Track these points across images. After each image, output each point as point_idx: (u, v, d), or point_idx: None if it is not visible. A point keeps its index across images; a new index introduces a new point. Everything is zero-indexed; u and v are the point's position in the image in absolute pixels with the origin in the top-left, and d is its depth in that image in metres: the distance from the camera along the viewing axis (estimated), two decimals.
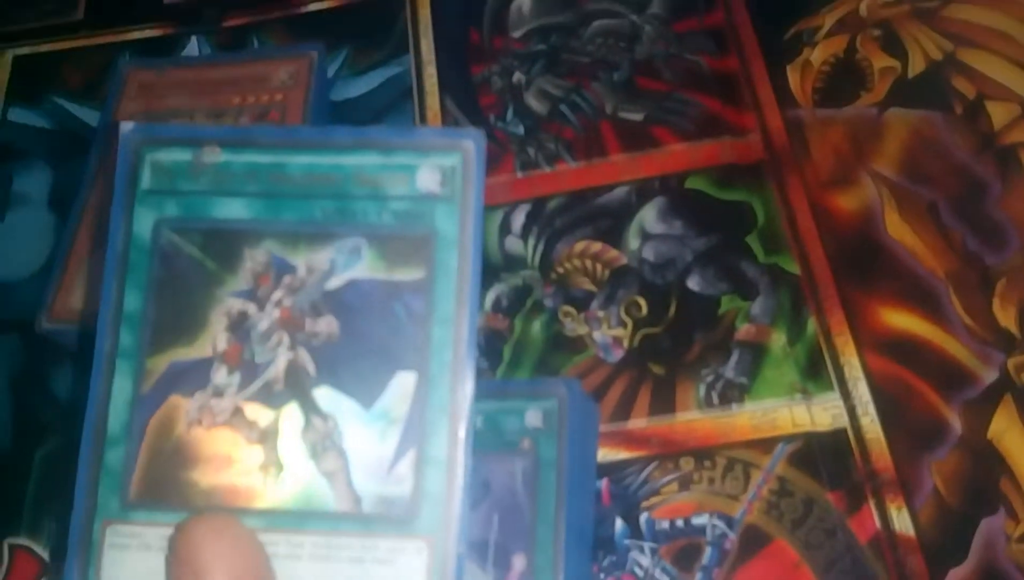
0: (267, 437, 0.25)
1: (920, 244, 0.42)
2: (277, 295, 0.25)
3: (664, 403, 0.40)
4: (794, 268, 0.42)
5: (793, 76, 0.47)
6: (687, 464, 0.38)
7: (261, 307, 0.25)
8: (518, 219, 0.45)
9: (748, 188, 0.44)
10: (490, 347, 0.42)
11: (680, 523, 0.37)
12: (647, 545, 0.37)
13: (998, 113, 0.44)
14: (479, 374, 0.41)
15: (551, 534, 0.33)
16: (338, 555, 0.24)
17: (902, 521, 0.36)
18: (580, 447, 0.36)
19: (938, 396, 0.38)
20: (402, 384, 0.24)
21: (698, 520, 0.37)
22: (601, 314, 0.42)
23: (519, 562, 0.33)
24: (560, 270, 0.44)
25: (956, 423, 0.38)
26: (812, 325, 0.41)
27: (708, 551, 0.36)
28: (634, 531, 0.37)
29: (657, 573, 0.36)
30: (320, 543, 0.24)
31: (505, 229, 0.45)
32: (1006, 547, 0.35)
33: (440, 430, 0.24)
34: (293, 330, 0.25)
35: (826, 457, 0.38)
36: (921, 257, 0.41)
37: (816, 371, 0.40)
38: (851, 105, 0.45)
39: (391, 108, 0.48)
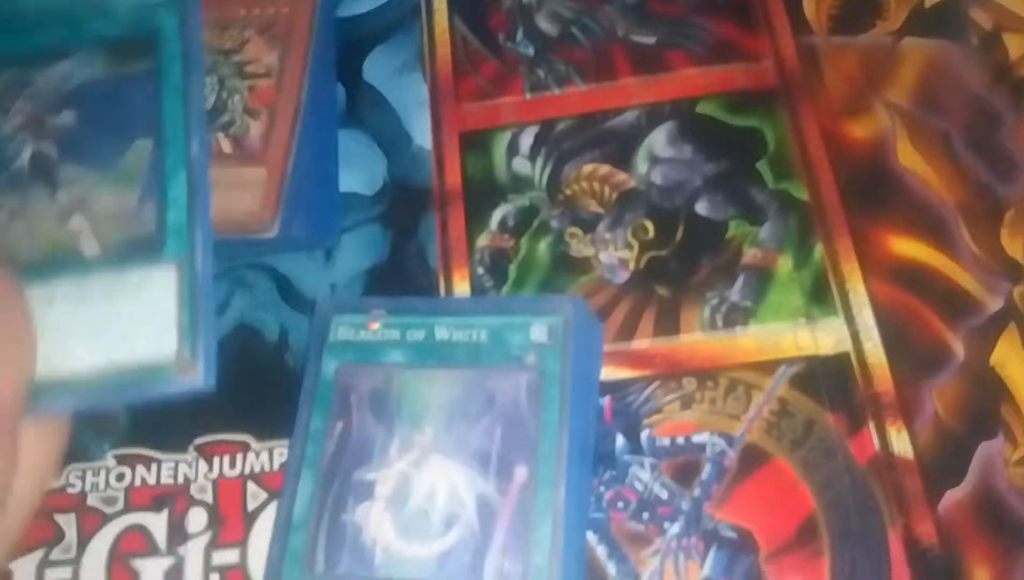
0: (14, 217, 0.28)
1: (931, 173, 0.41)
2: (18, 105, 0.28)
3: (668, 325, 0.40)
4: (803, 195, 0.42)
5: (808, 3, 0.46)
6: (689, 384, 0.39)
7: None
8: (526, 140, 0.45)
9: (759, 114, 0.44)
10: (495, 266, 0.42)
11: (681, 440, 0.37)
12: (647, 461, 0.37)
13: (1015, 45, 0.43)
14: (484, 292, 0.41)
15: (554, 447, 0.34)
16: (90, 294, 0.26)
17: (901, 443, 0.36)
18: (584, 364, 0.36)
19: (942, 322, 0.38)
20: (139, 148, 0.28)
21: (698, 438, 0.37)
22: (608, 236, 0.42)
23: (521, 473, 0.34)
24: (567, 192, 0.43)
25: (959, 349, 0.38)
26: (819, 251, 0.41)
27: (707, 468, 0.37)
28: (635, 447, 0.37)
29: (656, 487, 0.37)
30: (72, 288, 0.26)
31: (513, 150, 0.45)
32: (1004, 470, 0.35)
33: (178, 178, 0.27)
34: (35, 129, 0.28)
35: (828, 380, 0.38)
36: (932, 186, 0.41)
37: (821, 296, 0.40)
38: (866, 33, 0.45)
39: (399, 26, 0.48)
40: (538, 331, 0.35)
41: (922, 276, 0.39)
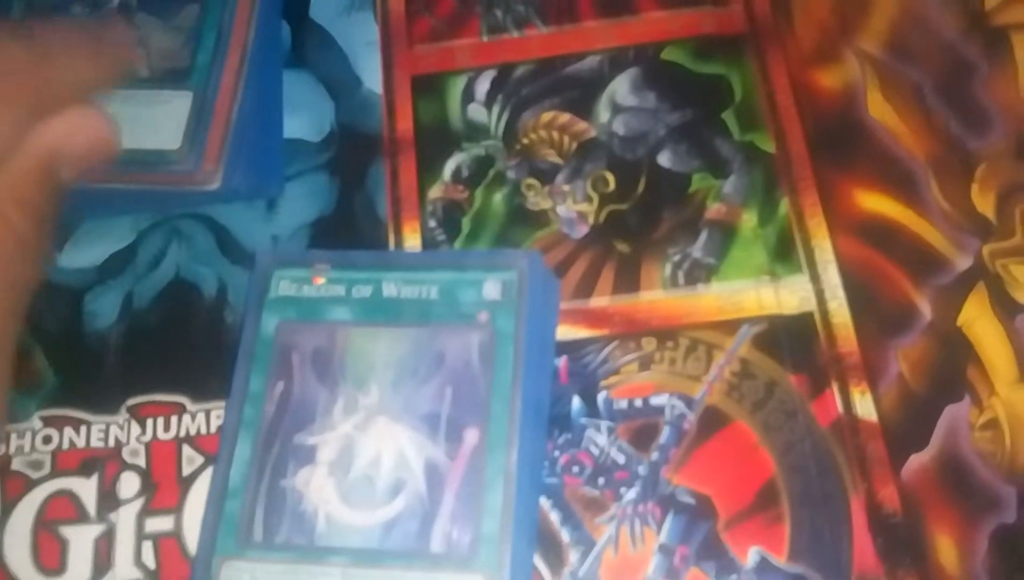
0: None
1: (902, 126, 0.40)
2: None
3: (628, 282, 0.38)
4: (769, 147, 0.40)
5: None
6: (649, 344, 0.37)
7: None
8: (482, 86, 0.42)
9: (727, 61, 0.42)
10: (448, 218, 0.40)
11: (639, 403, 0.36)
12: (604, 424, 0.36)
13: None
14: (436, 246, 0.39)
15: (506, 408, 0.32)
16: (132, 99, 0.39)
17: (864, 406, 0.35)
18: (539, 322, 0.34)
19: (909, 281, 0.37)
20: (190, 10, 0.42)
21: (657, 400, 0.36)
22: (566, 188, 0.40)
23: (471, 436, 0.32)
24: (525, 141, 0.41)
25: (926, 309, 0.36)
26: (784, 206, 0.39)
27: (666, 431, 0.35)
28: (591, 410, 0.36)
29: (613, 452, 0.35)
30: (122, 92, 0.34)
31: (468, 96, 0.42)
32: (969, 435, 0.34)
33: (211, 29, 0.41)
34: None
35: (791, 340, 0.36)
36: (902, 139, 0.39)
37: (786, 253, 0.38)
38: None
39: None
40: (491, 288, 0.34)
41: (889, 232, 0.38)
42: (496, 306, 0.33)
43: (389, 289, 0.34)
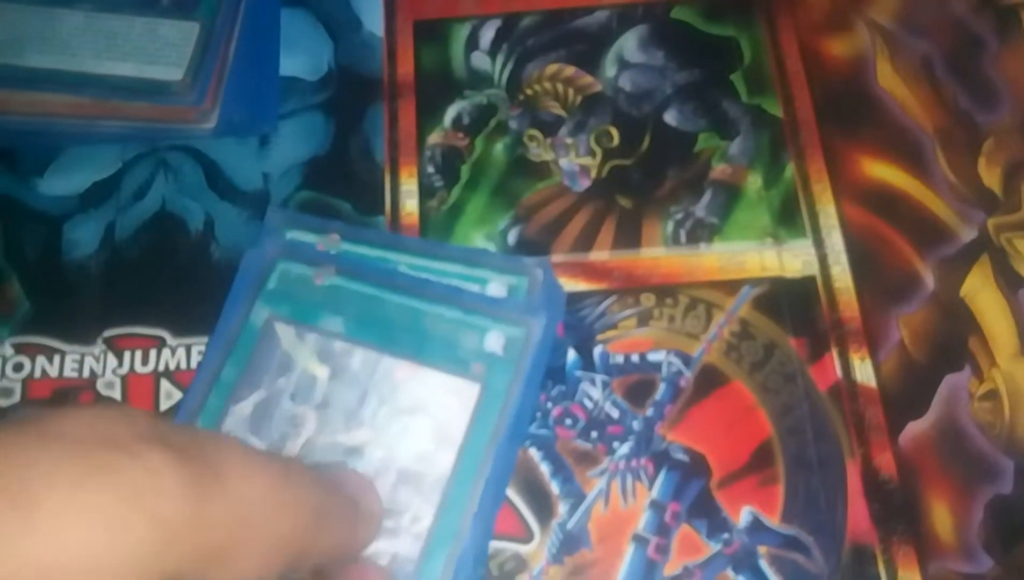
0: None
1: (910, 97, 0.39)
2: None
3: (629, 237, 0.37)
4: (777, 111, 0.39)
5: None
6: (648, 300, 0.36)
7: None
8: (487, 35, 0.41)
9: (737, 24, 0.41)
10: (447, 165, 0.39)
11: (635, 358, 0.35)
12: (599, 378, 0.35)
13: None
14: (434, 191, 0.38)
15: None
16: (142, 28, 0.40)
17: (864, 371, 0.35)
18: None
19: (913, 250, 0.36)
20: None
21: (654, 356, 0.35)
22: (569, 141, 0.39)
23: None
24: (529, 92, 0.40)
25: (929, 278, 0.36)
26: (790, 170, 0.38)
27: (662, 387, 0.34)
28: (586, 363, 0.35)
29: (607, 406, 0.34)
30: (131, 18, 0.41)
31: (472, 44, 0.41)
32: (968, 404, 0.34)
33: None
34: None
35: (792, 303, 0.36)
36: (910, 110, 0.39)
37: (790, 217, 0.37)
38: None
39: None
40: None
41: (895, 201, 0.38)
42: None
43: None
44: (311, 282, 0.33)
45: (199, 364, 0.33)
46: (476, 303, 0.33)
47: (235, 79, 0.39)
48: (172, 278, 0.37)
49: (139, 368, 0.35)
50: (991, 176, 0.38)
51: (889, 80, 0.40)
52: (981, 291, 0.36)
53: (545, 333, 0.33)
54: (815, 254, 0.37)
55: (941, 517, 0.32)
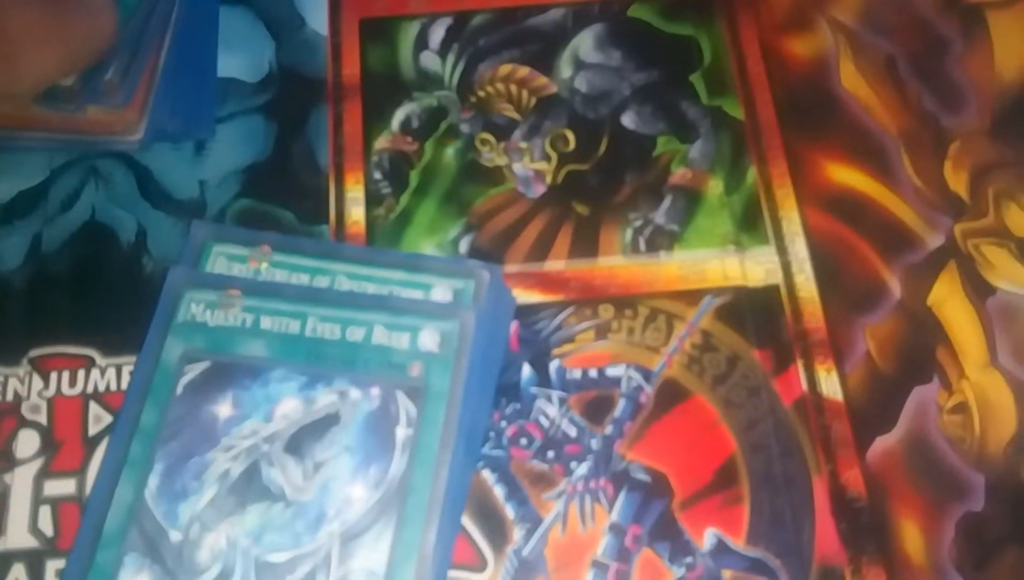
0: None
1: (874, 98, 0.38)
2: None
3: (586, 246, 0.36)
4: (738, 113, 0.38)
5: None
6: (606, 312, 0.35)
7: None
8: (437, 33, 0.40)
9: (696, 23, 0.40)
10: (395, 171, 0.37)
11: (593, 373, 0.34)
12: (555, 394, 0.33)
13: None
14: (381, 198, 0.36)
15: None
16: None
17: (830, 384, 0.33)
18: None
19: (879, 258, 0.35)
20: None
21: (613, 371, 0.34)
22: (523, 145, 0.38)
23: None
24: (481, 93, 0.38)
25: (895, 287, 0.35)
26: (752, 174, 0.37)
27: (621, 403, 0.33)
28: (542, 379, 0.33)
29: (564, 424, 0.33)
30: None
31: (421, 43, 0.39)
32: (937, 418, 0.33)
33: None
34: None
35: (755, 313, 0.34)
36: (874, 112, 0.38)
37: (752, 223, 0.36)
38: None
39: None
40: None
41: (860, 207, 0.36)
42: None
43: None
44: (223, 308, 0.31)
45: (119, 411, 0.31)
46: (405, 305, 0.31)
47: (168, 81, 0.37)
48: (102, 293, 0.35)
49: (66, 390, 0.33)
50: (957, 180, 0.36)
51: (852, 81, 0.39)
52: (949, 299, 0.34)
53: (489, 330, 0.31)
54: (778, 262, 0.35)
55: (911, 536, 0.31)
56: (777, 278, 0.35)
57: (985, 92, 0.38)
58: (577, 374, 0.34)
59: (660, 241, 0.36)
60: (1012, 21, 0.39)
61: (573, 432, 0.33)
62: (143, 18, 0.36)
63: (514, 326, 0.34)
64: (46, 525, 0.31)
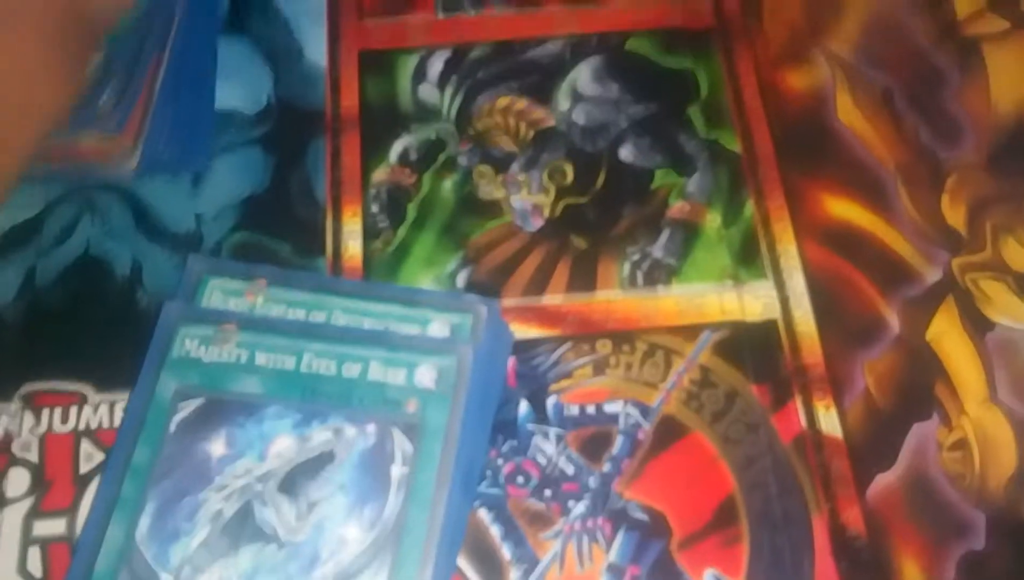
0: None
1: (871, 132, 0.38)
2: None
3: (584, 280, 0.36)
4: (736, 146, 0.38)
5: None
6: (604, 347, 0.34)
7: None
8: (435, 65, 0.40)
9: (694, 56, 0.40)
10: (393, 204, 0.37)
11: (591, 409, 0.33)
12: (553, 431, 0.33)
13: (962, 2, 0.40)
14: (379, 232, 0.36)
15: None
16: None
17: (829, 421, 0.33)
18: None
19: (877, 292, 0.35)
20: None
21: (611, 407, 0.33)
22: (521, 178, 0.37)
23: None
24: (479, 126, 0.38)
25: (894, 321, 0.35)
26: (750, 208, 0.37)
27: (619, 440, 0.33)
28: (540, 415, 0.33)
29: (561, 461, 0.32)
30: None
31: (420, 75, 0.39)
32: (937, 454, 0.32)
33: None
34: None
35: (754, 348, 0.34)
36: (871, 145, 0.38)
37: (750, 257, 0.36)
38: None
39: None
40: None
41: (857, 241, 0.36)
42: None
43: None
44: (217, 343, 0.31)
45: (111, 448, 0.31)
46: (401, 341, 0.31)
47: (164, 107, 0.36)
48: (96, 328, 0.34)
49: (58, 427, 0.33)
50: (955, 214, 0.36)
51: (849, 114, 0.39)
52: (947, 334, 0.34)
53: (487, 366, 0.31)
54: (776, 296, 0.35)
55: (912, 576, 0.31)
56: (775, 313, 0.35)
57: (982, 125, 0.38)
58: (575, 410, 0.33)
59: (658, 275, 0.36)
60: (1008, 54, 0.39)
61: (571, 470, 0.32)
62: (139, 39, 0.36)
63: (511, 361, 0.34)
64: (35, 566, 0.31)
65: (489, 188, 0.37)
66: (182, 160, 0.37)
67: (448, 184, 0.37)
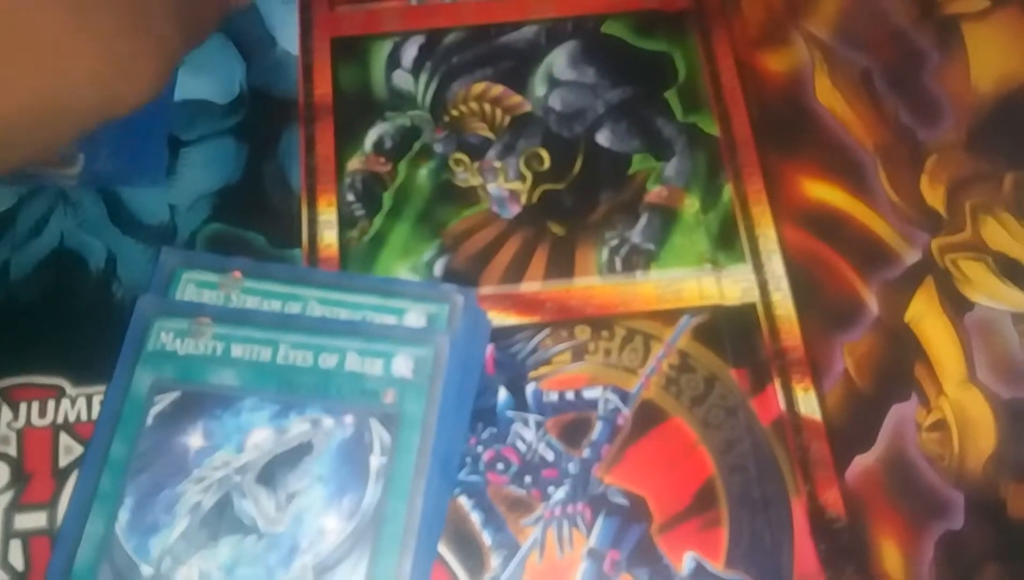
0: None
1: (850, 113, 0.38)
2: None
3: (562, 266, 0.35)
4: (714, 129, 0.38)
5: None
6: (582, 333, 0.34)
7: None
8: (409, 52, 0.39)
9: (670, 39, 0.39)
10: (368, 192, 0.37)
11: (570, 396, 0.33)
12: (532, 418, 0.33)
13: None
14: (355, 220, 0.36)
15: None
16: None
17: (808, 403, 0.33)
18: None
19: (856, 274, 0.35)
20: None
21: (590, 393, 0.33)
22: (498, 164, 0.37)
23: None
24: (454, 113, 0.38)
25: (873, 303, 0.35)
26: (728, 192, 0.37)
27: (599, 426, 0.33)
28: (519, 402, 0.33)
29: (541, 448, 0.32)
30: None
31: (394, 62, 0.39)
32: (916, 435, 0.32)
33: None
34: None
35: (733, 332, 0.34)
36: (850, 127, 0.38)
37: (729, 241, 0.36)
38: None
39: None
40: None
41: (836, 223, 0.36)
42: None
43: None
44: (193, 336, 0.31)
45: (88, 442, 0.30)
46: (378, 331, 0.31)
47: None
48: (71, 321, 0.34)
49: (36, 421, 0.33)
50: (934, 195, 0.36)
51: (828, 96, 0.38)
52: (926, 315, 0.34)
53: (464, 355, 0.31)
54: (755, 280, 0.35)
55: (891, 556, 0.31)
56: (754, 296, 0.35)
57: (961, 105, 0.38)
58: (554, 397, 0.33)
59: (636, 260, 0.35)
60: (988, 33, 0.39)
61: (550, 456, 0.32)
62: None
63: (490, 349, 0.34)
64: (16, 559, 0.31)
65: (465, 175, 0.37)
66: (131, 173, 0.36)
67: (424, 172, 0.37)
